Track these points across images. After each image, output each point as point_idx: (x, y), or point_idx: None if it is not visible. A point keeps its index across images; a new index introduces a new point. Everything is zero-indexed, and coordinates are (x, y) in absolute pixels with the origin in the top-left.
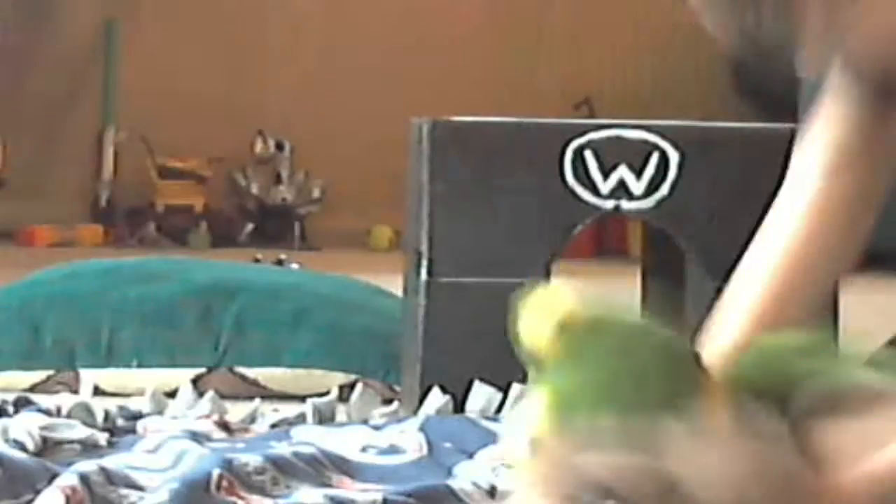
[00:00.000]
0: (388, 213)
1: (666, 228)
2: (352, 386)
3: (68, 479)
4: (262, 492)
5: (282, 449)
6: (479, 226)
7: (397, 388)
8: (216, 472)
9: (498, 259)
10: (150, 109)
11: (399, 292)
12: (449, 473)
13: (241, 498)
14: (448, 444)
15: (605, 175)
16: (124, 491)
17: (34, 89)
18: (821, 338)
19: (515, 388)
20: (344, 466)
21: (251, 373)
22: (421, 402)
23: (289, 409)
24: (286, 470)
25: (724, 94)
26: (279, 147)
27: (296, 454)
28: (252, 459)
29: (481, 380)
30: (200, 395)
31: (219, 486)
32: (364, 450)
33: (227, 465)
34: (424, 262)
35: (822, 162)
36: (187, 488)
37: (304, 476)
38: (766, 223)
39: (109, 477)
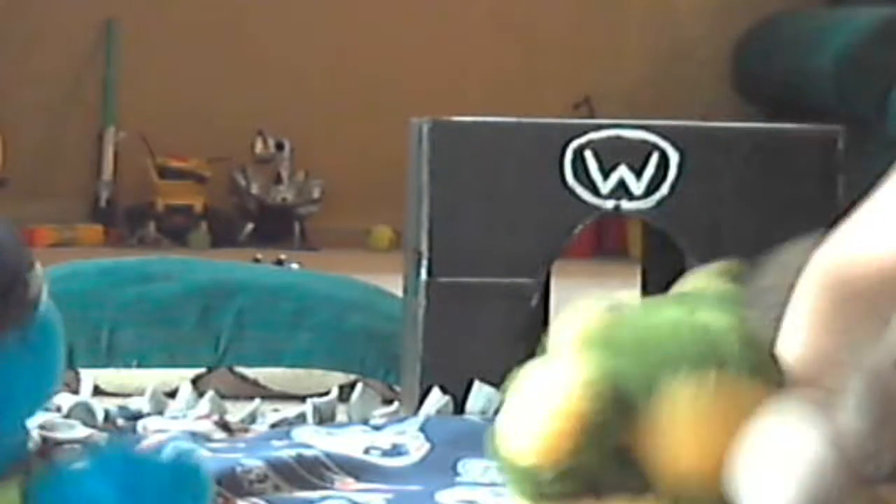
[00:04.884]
0: (388, 213)
1: (666, 228)
2: (352, 386)
3: None
4: (263, 497)
5: (284, 451)
6: (479, 226)
7: (397, 388)
8: (213, 489)
9: (498, 259)
10: (150, 109)
11: (399, 292)
12: (454, 473)
13: None
14: (450, 445)
15: (605, 175)
16: None
17: (34, 89)
18: None
19: None
20: (348, 467)
21: (251, 373)
22: (421, 402)
23: (289, 409)
24: (288, 476)
25: (724, 94)
26: (279, 147)
27: (299, 458)
28: (255, 466)
29: (481, 380)
30: (200, 395)
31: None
32: (367, 451)
33: (230, 475)
34: (424, 262)
35: None
36: None
37: (307, 481)
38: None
39: None
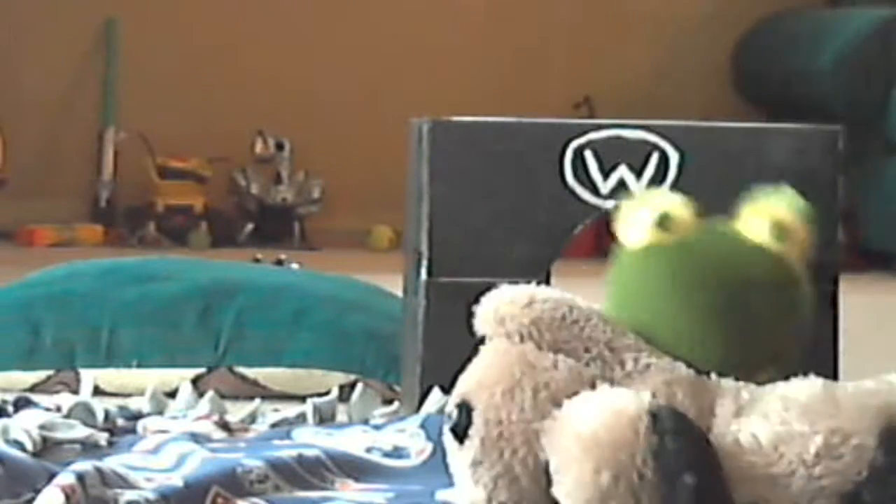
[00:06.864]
0: (388, 213)
1: None
2: (352, 386)
3: (66, 477)
4: (263, 497)
5: (284, 452)
6: (479, 226)
7: (397, 388)
8: (213, 490)
9: (498, 259)
10: (150, 109)
11: (399, 292)
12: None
13: None
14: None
15: (605, 175)
16: (120, 490)
17: (34, 89)
18: None
19: None
20: (347, 468)
21: (251, 373)
22: (421, 402)
23: (289, 409)
24: (289, 476)
25: (724, 94)
26: (279, 147)
27: (300, 458)
28: (255, 466)
29: None
30: (200, 395)
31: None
32: (369, 451)
33: (230, 475)
34: (424, 262)
35: None
36: (181, 499)
37: (307, 482)
38: None
39: (105, 477)
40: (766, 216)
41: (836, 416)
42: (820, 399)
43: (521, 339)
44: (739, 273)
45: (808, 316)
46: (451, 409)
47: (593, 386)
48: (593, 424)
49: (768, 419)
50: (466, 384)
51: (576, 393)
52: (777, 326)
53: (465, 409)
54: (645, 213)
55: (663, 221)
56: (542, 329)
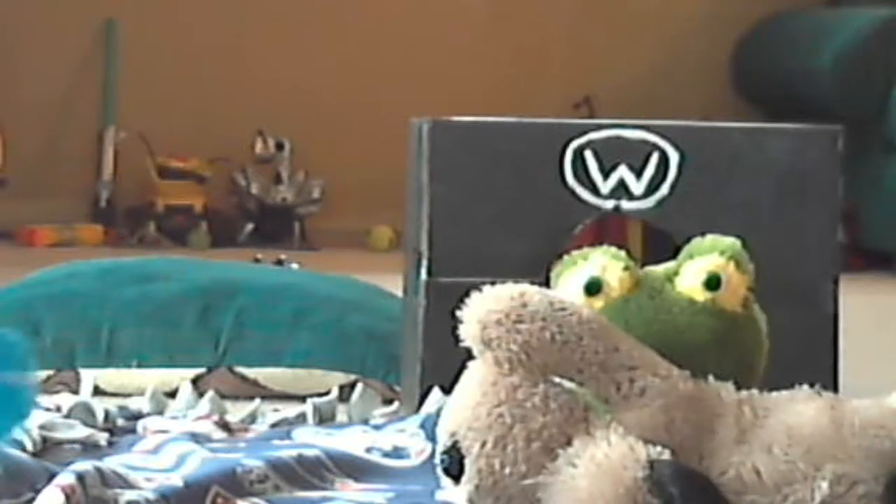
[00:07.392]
0: (388, 213)
1: (666, 228)
2: (352, 386)
3: (67, 477)
4: (263, 497)
5: (284, 452)
6: (479, 226)
7: (397, 389)
8: (213, 490)
9: (498, 259)
10: (150, 109)
11: (399, 292)
12: None
13: None
14: None
15: (605, 175)
16: (120, 490)
17: (34, 89)
18: None
19: None
20: (347, 468)
21: (251, 373)
22: (421, 402)
23: (289, 409)
24: (289, 476)
25: (724, 94)
26: (279, 147)
27: (299, 458)
28: (255, 466)
29: None
30: (200, 394)
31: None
32: (369, 451)
33: (230, 475)
34: (424, 262)
35: None
36: (181, 499)
37: (307, 482)
38: None
39: (105, 477)
40: (700, 266)
41: (843, 459)
42: (825, 436)
43: (511, 366)
44: (668, 331)
45: (755, 351)
46: (443, 452)
47: (587, 422)
48: (592, 493)
49: (771, 454)
50: (456, 422)
51: (569, 440)
52: (721, 373)
53: (457, 454)
54: (574, 279)
55: (592, 287)
56: (532, 354)
